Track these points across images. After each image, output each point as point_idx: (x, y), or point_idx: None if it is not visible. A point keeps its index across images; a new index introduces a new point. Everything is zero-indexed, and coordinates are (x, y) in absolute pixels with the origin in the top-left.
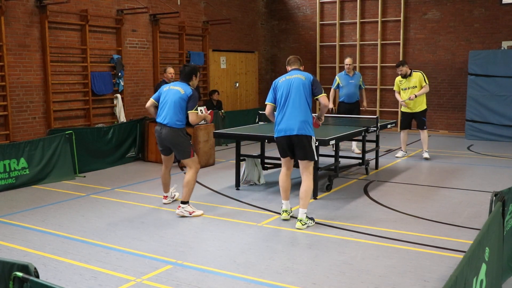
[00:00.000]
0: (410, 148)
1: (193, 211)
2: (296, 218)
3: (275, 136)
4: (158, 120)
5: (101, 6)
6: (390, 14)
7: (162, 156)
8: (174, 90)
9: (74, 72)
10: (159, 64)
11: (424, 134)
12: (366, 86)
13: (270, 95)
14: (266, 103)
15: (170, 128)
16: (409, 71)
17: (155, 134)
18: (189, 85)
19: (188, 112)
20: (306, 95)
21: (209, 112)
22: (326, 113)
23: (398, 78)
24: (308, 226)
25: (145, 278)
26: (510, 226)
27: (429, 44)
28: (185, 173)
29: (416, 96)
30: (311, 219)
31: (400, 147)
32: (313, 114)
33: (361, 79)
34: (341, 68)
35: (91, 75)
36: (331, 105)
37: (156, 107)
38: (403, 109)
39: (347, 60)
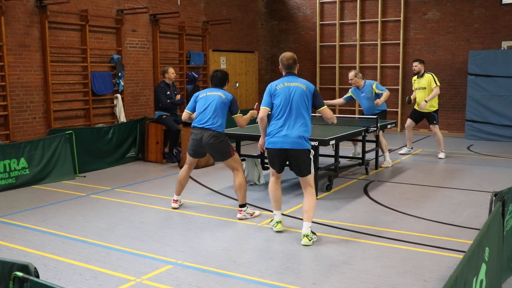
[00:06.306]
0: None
1: (253, 212)
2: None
3: (266, 146)
4: (198, 124)
5: (101, 6)
6: (390, 14)
7: (189, 158)
8: (214, 95)
9: (74, 72)
10: (159, 64)
11: (438, 133)
12: None
13: (266, 99)
14: (261, 107)
15: (212, 132)
16: (422, 71)
17: (191, 138)
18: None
19: (234, 116)
20: (306, 107)
21: (255, 106)
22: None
23: (414, 77)
24: (313, 242)
25: (145, 278)
26: (510, 226)
27: (429, 44)
28: None
29: (426, 102)
30: (314, 233)
31: (405, 144)
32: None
33: (374, 86)
34: (341, 68)
35: (91, 75)
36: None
37: (190, 118)
38: (416, 106)
39: (349, 75)
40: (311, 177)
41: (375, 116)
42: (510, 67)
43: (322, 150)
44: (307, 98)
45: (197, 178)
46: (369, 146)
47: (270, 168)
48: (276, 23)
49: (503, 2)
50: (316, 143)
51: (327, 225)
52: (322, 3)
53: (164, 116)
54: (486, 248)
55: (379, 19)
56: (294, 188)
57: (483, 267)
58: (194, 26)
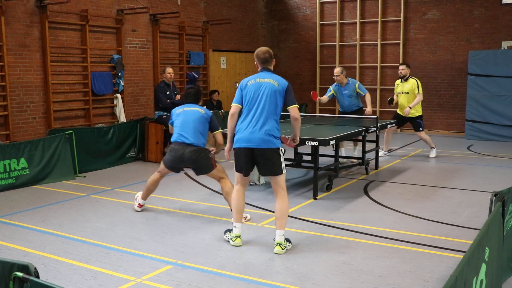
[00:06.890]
0: (409, 148)
1: (246, 216)
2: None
3: (234, 146)
4: (179, 139)
5: (101, 6)
6: (390, 14)
7: (163, 168)
8: (193, 110)
9: (74, 72)
10: (159, 64)
11: (423, 137)
12: (366, 86)
13: (237, 96)
14: (232, 103)
15: (195, 147)
16: (407, 75)
17: (170, 154)
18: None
19: (214, 133)
20: (276, 104)
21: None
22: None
23: (397, 81)
24: (286, 250)
25: (145, 278)
26: (510, 226)
27: (429, 44)
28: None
29: (410, 108)
30: (289, 241)
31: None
32: (286, 136)
33: (356, 86)
34: None
35: (91, 75)
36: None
37: None
38: (399, 111)
39: (335, 71)
40: (282, 179)
41: (375, 116)
42: (510, 67)
43: (322, 150)
44: (278, 95)
45: (197, 178)
46: (368, 146)
47: (236, 173)
48: (276, 23)
49: (503, 2)
50: (316, 143)
51: (327, 225)
52: (322, 3)
53: (164, 116)
54: (486, 248)
55: (379, 19)
56: (294, 188)
57: (483, 267)
58: (194, 26)
